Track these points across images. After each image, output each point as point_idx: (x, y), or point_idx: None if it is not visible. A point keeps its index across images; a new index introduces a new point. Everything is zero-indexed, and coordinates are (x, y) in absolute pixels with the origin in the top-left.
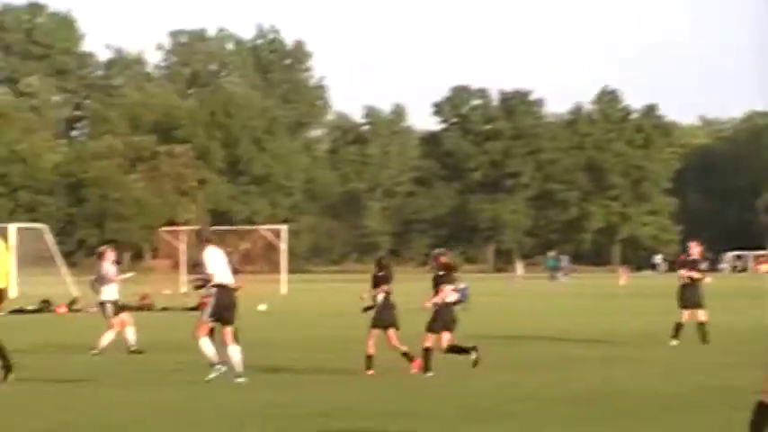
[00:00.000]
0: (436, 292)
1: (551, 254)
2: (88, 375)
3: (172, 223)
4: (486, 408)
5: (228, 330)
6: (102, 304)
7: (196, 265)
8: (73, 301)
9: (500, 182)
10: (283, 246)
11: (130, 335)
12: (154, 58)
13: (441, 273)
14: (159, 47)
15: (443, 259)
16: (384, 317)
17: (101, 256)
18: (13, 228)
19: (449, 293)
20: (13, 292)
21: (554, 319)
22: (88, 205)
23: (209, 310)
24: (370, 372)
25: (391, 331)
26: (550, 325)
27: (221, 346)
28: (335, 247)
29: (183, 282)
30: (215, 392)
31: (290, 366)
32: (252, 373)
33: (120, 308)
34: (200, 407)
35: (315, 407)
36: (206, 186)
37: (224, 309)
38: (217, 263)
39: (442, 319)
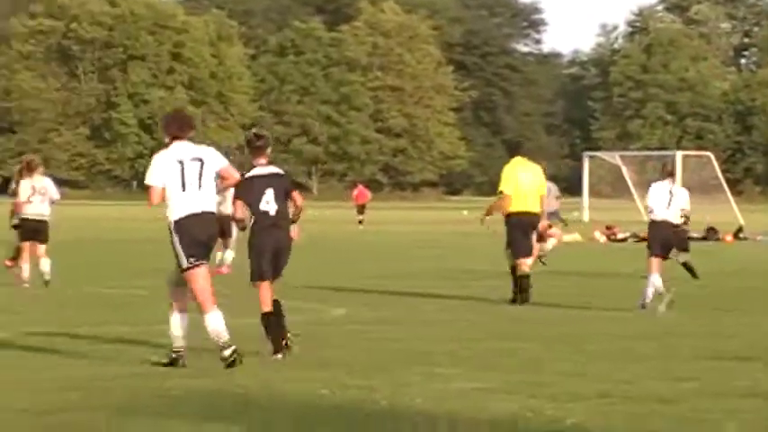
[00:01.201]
0: None
1: None
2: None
3: None
4: None
5: (658, 261)
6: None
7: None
8: (739, 230)
9: None
10: None
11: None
12: None
13: None
14: None
15: None
16: None
17: None
18: (678, 155)
19: None
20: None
21: None
22: (756, 133)
23: (650, 245)
24: None
25: None
26: None
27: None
28: None
29: None
30: None
31: None
32: None
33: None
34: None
35: None
36: None
37: (654, 241)
38: (656, 198)
39: None
